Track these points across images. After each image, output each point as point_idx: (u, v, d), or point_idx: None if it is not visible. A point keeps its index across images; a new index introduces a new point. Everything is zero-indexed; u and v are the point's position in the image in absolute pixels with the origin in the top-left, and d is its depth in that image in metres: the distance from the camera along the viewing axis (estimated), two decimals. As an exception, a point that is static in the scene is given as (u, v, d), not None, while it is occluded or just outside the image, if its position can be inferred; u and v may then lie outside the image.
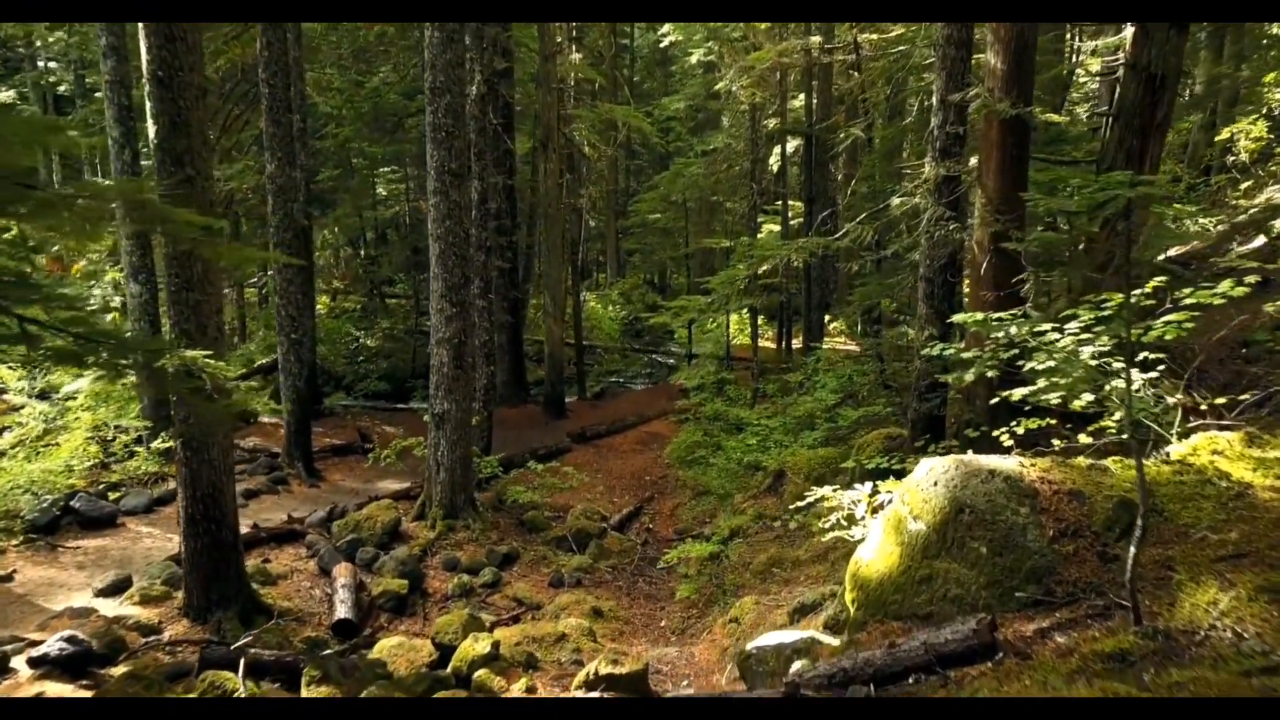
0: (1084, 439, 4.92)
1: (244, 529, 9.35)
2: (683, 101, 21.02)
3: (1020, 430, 5.19)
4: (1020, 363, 4.96)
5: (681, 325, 8.06)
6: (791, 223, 24.86)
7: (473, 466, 10.28)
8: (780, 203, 25.12)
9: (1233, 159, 13.97)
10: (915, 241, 7.77)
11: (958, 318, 5.01)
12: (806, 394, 13.77)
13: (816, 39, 15.92)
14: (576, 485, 11.41)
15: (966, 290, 10.05)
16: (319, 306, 27.81)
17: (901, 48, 14.03)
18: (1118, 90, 7.40)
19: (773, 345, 24.63)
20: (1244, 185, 13.33)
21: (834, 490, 5.24)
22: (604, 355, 24.90)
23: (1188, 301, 4.04)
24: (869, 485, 5.12)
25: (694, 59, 20.33)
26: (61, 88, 28.61)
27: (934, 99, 8.01)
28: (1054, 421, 5.26)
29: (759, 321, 26.46)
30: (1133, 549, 3.22)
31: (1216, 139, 14.52)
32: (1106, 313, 4.18)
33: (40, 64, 26.55)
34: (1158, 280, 3.94)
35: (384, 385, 18.23)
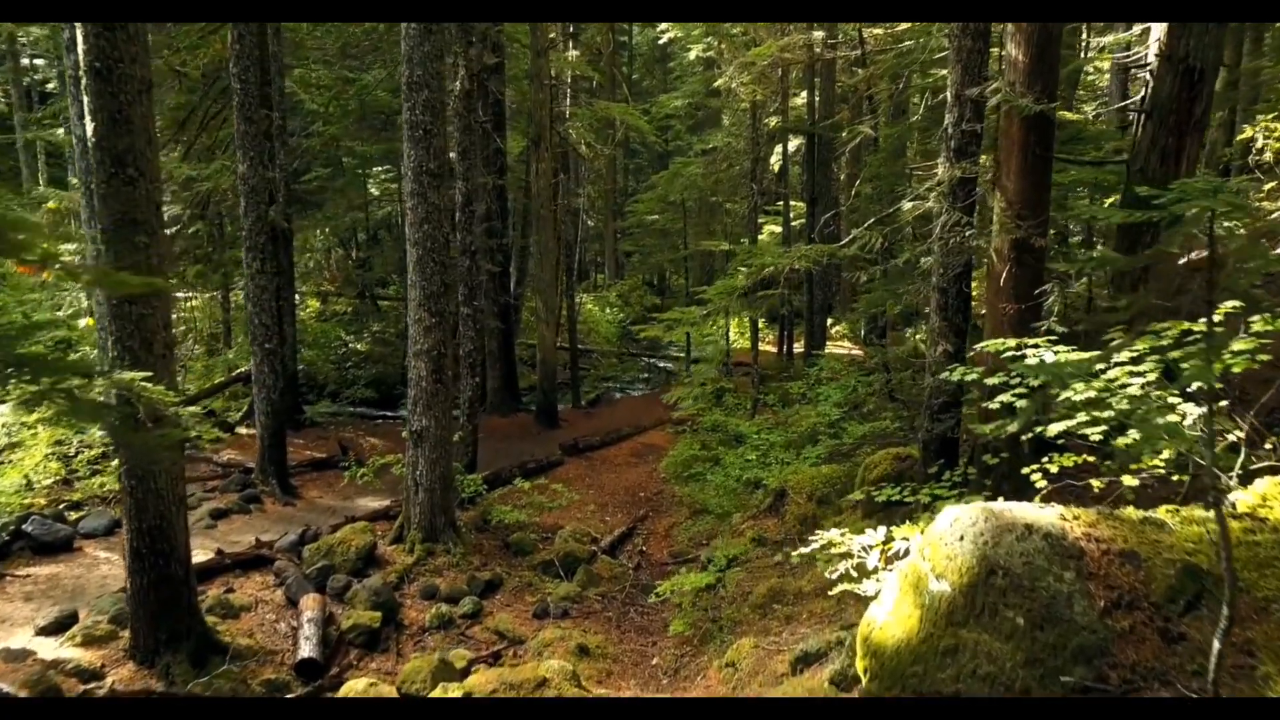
0: (1127, 480, 4.30)
1: (208, 555, 8.77)
2: (681, 99, 20.40)
3: (1054, 469, 4.57)
4: (1055, 393, 4.36)
5: (675, 338, 7.41)
6: (793, 224, 24.25)
7: (454, 486, 9.68)
8: (781, 203, 24.52)
9: (1256, 159, 13.34)
10: (927, 249, 7.15)
11: (986, 344, 4.40)
12: (809, 404, 13.16)
13: (819, 34, 15.30)
14: (566, 504, 10.81)
15: (977, 295, 9.46)
16: (309, 309, 27.34)
17: (908, 42, 13.43)
18: (1150, 84, 6.78)
19: (773, 349, 24.03)
20: (1267, 187, 12.71)
21: (842, 534, 4.65)
22: (600, 360, 24.29)
23: (1258, 328, 3.45)
24: (882, 531, 4.51)
25: (693, 55, 19.72)
26: (50, 84, 28.05)
27: (948, 94, 7.40)
28: (1090, 458, 4.64)
29: (759, 325, 25.89)
30: (1217, 643, 2.61)
31: (1238, 138, 13.89)
32: (1164, 342, 3.57)
33: (24, 60, 25.96)
34: (1232, 305, 3.32)
35: (371, 393, 17.63)
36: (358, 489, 11.32)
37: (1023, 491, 7.24)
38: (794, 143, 27.95)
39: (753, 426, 12.76)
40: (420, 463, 9.17)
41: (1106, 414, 4.08)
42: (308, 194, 16.99)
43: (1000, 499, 5.74)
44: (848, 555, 4.68)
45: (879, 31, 13.52)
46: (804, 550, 4.83)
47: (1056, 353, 3.99)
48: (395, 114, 17.65)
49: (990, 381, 4.82)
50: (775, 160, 26.69)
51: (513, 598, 8.85)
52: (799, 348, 23.30)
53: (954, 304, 7.54)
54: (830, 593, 5.99)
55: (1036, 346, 4.11)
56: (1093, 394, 4.24)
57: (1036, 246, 6.90)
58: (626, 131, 29.28)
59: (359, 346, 22.51)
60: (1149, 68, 6.78)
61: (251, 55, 10.04)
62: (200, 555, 8.90)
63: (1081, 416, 4.15)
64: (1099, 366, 4.12)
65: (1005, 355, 4.27)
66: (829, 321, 25.17)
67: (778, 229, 26.43)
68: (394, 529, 9.61)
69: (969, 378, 5.03)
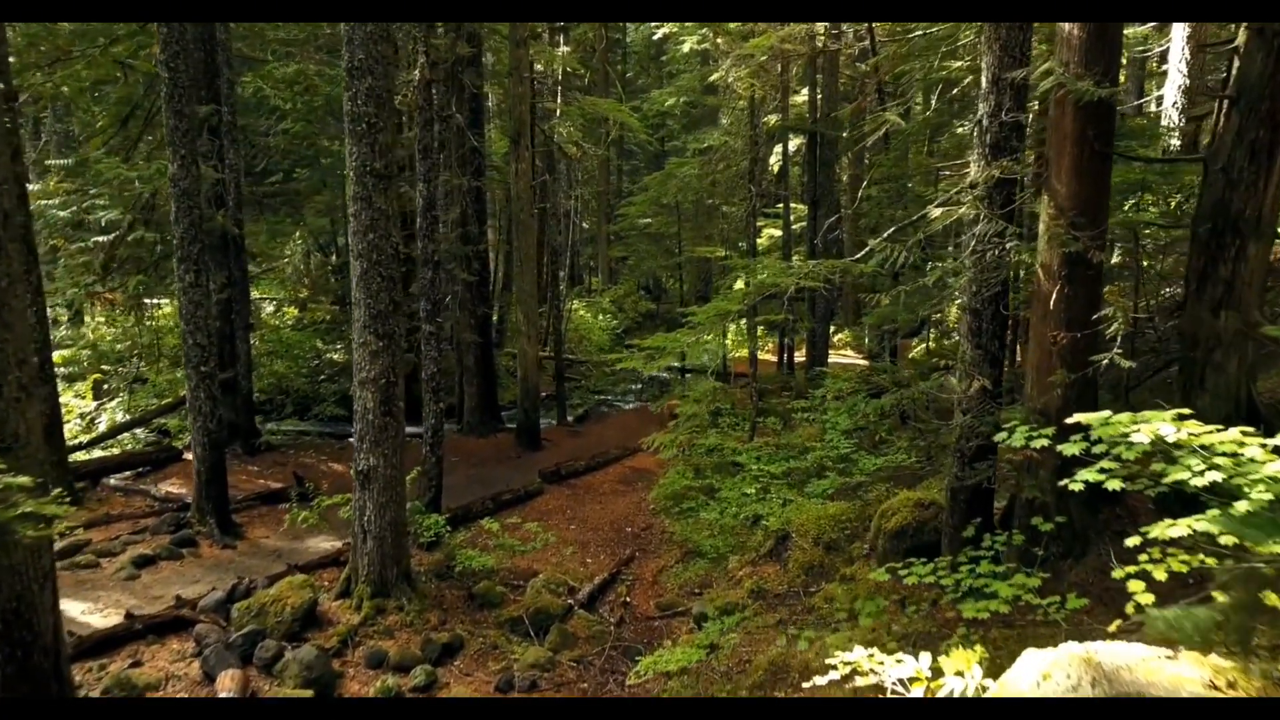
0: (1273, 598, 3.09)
1: (117, 618, 7.57)
2: (675, 96, 19.20)
3: (1161, 574, 3.36)
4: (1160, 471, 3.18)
5: (653, 369, 6.24)
6: (793, 227, 23.05)
7: (408, 531, 8.48)
8: (781, 206, 23.30)
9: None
10: (958, 263, 5.95)
11: (1081, 417, 3.21)
12: (813, 423, 11.95)
13: (821, 24, 14.13)
14: (541, 546, 9.59)
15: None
16: (286, 316, 26.11)
17: (918, 32, 12.25)
18: (1235, 65, 5.58)
19: (773, 357, 22.83)
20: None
21: (868, 655, 3.46)
22: (592, 369, 23.07)
23: None
24: (925, 660, 3.32)
25: (686, 48, 18.52)
26: None
27: (983, 78, 6.20)
28: (1209, 560, 3.44)
29: (758, 331, 24.68)
30: None
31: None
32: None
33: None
34: None
35: (342, 410, 16.38)
36: (309, 527, 10.10)
37: (1084, 559, 6.07)
38: (794, 142, 26.77)
39: (751, 452, 11.54)
40: (368, 507, 7.96)
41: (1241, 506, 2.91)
42: (270, 196, 15.75)
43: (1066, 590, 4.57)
44: (879, 689, 3.47)
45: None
46: (820, 682, 3.61)
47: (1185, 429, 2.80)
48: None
49: (1068, 450, 3.64)
50: (775, 161, 25.49)
51: (474, 664, 7.64)
52: (800, 356, 22.14)
53: (989, 328, 6.33)
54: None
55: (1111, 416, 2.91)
56: (1219, 477, 3.07)
57: (1093, 261, 5.71)
58: (621, 131, 28.11)
59: (335, 357, 21.30)
60: (1234, 45, 5.58)
61: (182, 41, 8.83)
62: (109, 618, 7.71)
63: (1215, 511, 2.98)
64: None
65: (1103, 433, 3.07)
66: (831, 329, 24.02)
67: (777, 232, 25.21)
68: (340, 581, 8.40)
69: (1037, 443, 3.84)
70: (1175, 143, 10.52)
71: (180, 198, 9.18)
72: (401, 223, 14.23)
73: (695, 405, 5.61)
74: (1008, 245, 5.91)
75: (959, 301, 6.27)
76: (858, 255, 6.04)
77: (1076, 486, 3.39)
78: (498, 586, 8.87)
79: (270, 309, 25.51)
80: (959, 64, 13.49)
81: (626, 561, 10.04)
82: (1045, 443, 3.84)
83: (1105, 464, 3.43)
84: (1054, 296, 5.72)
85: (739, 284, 29.99)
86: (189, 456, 12.57)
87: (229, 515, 9.95)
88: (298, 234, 24.82)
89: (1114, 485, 3.33)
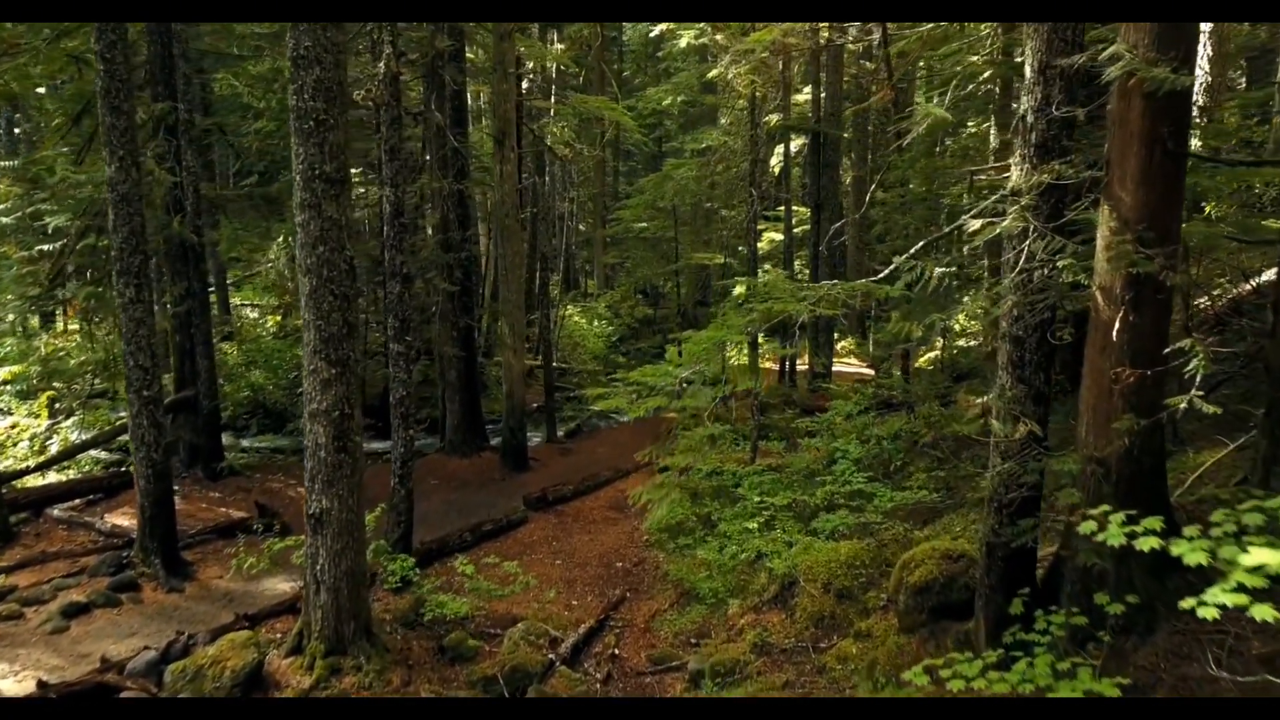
0: None
1: (32, 683, 6.63)
2: (671, 94, 18.27)
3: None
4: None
5: (638, 411, 5.31)
6: (795, 230, 22.14)
7: (368, 580, 7.56)
8: (782, 209, 22.39)
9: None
10: (998, 285, 5.02)
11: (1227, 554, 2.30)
12: (818, 447, 11.05)
13: (828, 16, 13.20)
14: (520, 590, 8.66)
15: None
16: (270, 324, 25.17)
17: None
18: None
19: (774, 365, 21.92)
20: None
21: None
22: (585, 378, 22.12)
23: None
24: None
25: (683, 43, 17.60)
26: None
27: (1027, 67, 5.28)
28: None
29: (759, 339, 23.74)
30: None
31: None
32: None
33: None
34: None
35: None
36: (268, 565, 9.16)
37: (1151, 638, 5.15)
38: (795, 143, 25.86)
39: (752, 478, 10.62)
40: (321, 555, 7.03)
41: None
42: (244, 199, 14.83)
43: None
44: None
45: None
46: None
47: None
48: (356, 108, 15.52)
49: (1190, 558, 2.73)
50: (776, 162, 24.59)
51: (439, 735, 6.70)
52: (802, 364, 21.24)
53: (1034, 360, 5.41)
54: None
55: None
56: None
57: (1164, 284, 4.79)
58: (617, 131, 27.20)
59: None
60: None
61: (120, 30, 7.90)
62: (23, 682, 6.78)
63: None
64: None
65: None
66: (835, 335, 23.11)
67: (778, 236, 24.28)
68: (292, 635, 7.46)
69: (1145, 544, 2.94)
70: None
71: (119, 204, 8.25)
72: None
73: (686, 455, 4.78)
74: (1060, 264, 4.98)
75: (1002, 328, 5.33)
76: (880, 274, 5.12)
77: (1208, 615, 2.48)
78: (470, 639, 7.94)
79: (253, 315, 24.61)
80: (975, 58, 12.61)
81: (616, 604, 9.11)
82: (1156, 544, 2.92)
83: (1242, 578, 2.53)
84: (1116, 325, 4.81)
85: (739, 289, 29.15)
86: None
87: (177, 554, 9.03)
88: (281, 238, 23.94)
89: (1263, 614, 2.42)
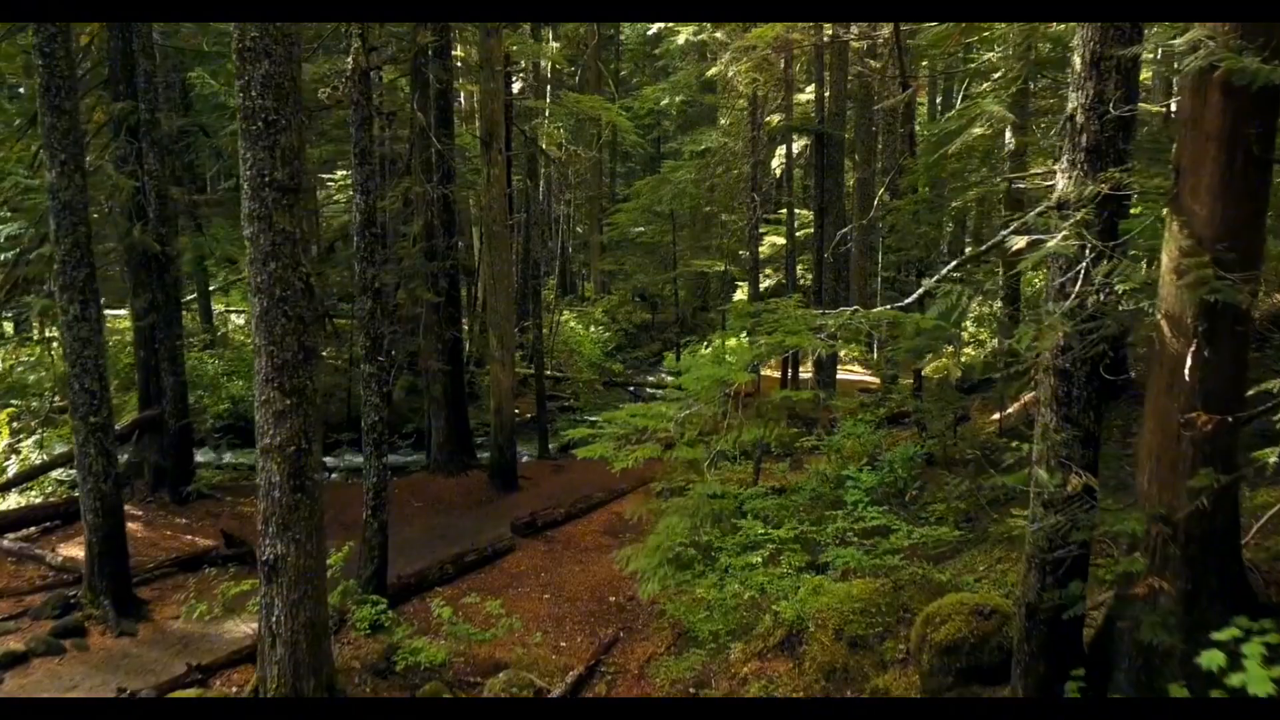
0: None
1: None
2: (670, 93, 17.54)
3: None
4: None
5: (625, 463, 4.60)
6: (798, 234, 21.43)
7: (330, 631, 6.84)
8: (784, 212, 21.68)
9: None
10: (1052, 319, 4.30)
11: None
12: (825, 473, 10.32)
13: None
14: (504, 633, 7.93)
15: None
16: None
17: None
18: None
19: (775, 373, 21.22)
20: None
21: None
22: (581, 389, 21.38)
23: None
24: None
25: (681, 39, 16.87)
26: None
27: (1076, 60, 4.58)
28: None
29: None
30: None
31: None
32: None
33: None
34: None
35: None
36: (229, 603, 8.42)
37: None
38: (798, 144, 25.13)
39: (755, 505, 9.88)
40: (276, 605, 6.31)
41: None
42: (217, 203, 14.11)
43: None
44: None
45: None
46: None
47: None
48: (321, 109, 14.80)
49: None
50: (777, 164, 23.88)
51: (407, 810, 5.99)
52: (805, 371, 20.53)
53: (1084, 396, 4.69)
54: None
55: None
56: None
57: (1246, 314, 4.09)
58: (613, 132, 26.50)
59: (305, 376, 19.65)
60: None
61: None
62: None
63: None
64: None
65: None
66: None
67: (780, 240, 23.54)
68: (248, 692, 6.75)
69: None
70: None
71: (61, 212, 7.53)
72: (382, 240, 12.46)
73: (679, 517, 4.08)
74: (1119, 289, 4.27)
75: (1046, 360, 4.62)
76: (909, 299, 4.40)
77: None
78: (446, 691, 7.22)
79: (240, 320, 23.88)
80: (990, 55, 11.92)
81: (608, 646, 8.39)
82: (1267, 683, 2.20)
83: None
84: (1188, 362, 4.09)
85: (740, 294, 28.41)
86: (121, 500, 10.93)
87: (130, 593, 8.30)
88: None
89: None
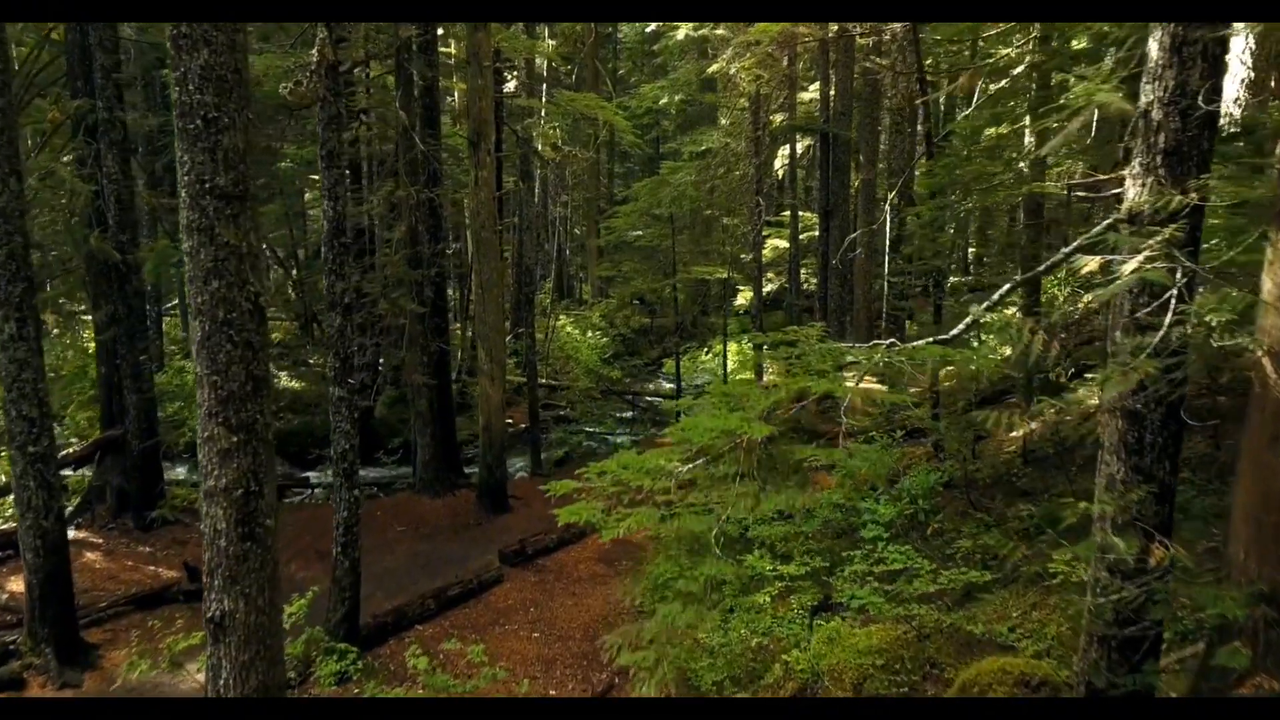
0: None
1: None
2: (669, 92, 16.81)
3: None
4: None
5: (616, 532, 3.91)
6: (801, 237, 20.71)
7: (284, 693, 6.09)
8: (788, 214, 20.95)
9: None
10: (1124, 361, 3.57)
11: None
12: (838, 496, 9.58)
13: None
14: (487, 683, 7.19)
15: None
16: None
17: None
18: None
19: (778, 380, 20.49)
20: None
21: None
22: (577, 398, 20.61)
23: None
24: None
25: (681, 34, 16.13)
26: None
27: (1152, 45, 3.86)
28: None
29: (763, 349, 22.26)
30: None
31: None
32: None
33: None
34: None
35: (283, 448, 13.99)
36: (189, 652, 7.68)
37: None
38: (801, 144, 24.40)
39: (761, 532, 9.15)
40: (224, 667, 5.56)
41: None
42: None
43: None
44: None
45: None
46: None
47: None
48: (302, 108, 14.05)
49: None
50: (780, 165, 23.16)
51: None
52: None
53: (1158, 443, 3.97)
54: None
55: None
56: None
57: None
58: (611, 133, 25.77)
59: (292, 384, 18.99)
60: None
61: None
62: None
63: None
64: None
65: None
66: (843, 350, 21.64)
67: (782, 243, 22.80)
68: (195, 760, 5.99)
69: None
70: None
71: (-9, 222, 6.79)
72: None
73: (680, 604, 3.45)
74: (1209, 319, 3.53)
75: (1111, 400, 3.89)
76: (955, 330, 3.67)
77: None
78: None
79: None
80: (1007, 52, 11.19)
81: (603, 694, 7.65)
82: None
83: None
84: (1301, 410, 3.36)
85: (743, 297, 27.64)
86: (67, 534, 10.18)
87: (75, 638, 7.57)
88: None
89: None
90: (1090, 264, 3.53)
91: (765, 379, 19.77)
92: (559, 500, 3.78)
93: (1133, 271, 3.28)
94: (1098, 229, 3.96)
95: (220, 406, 5.30)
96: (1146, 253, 3.46)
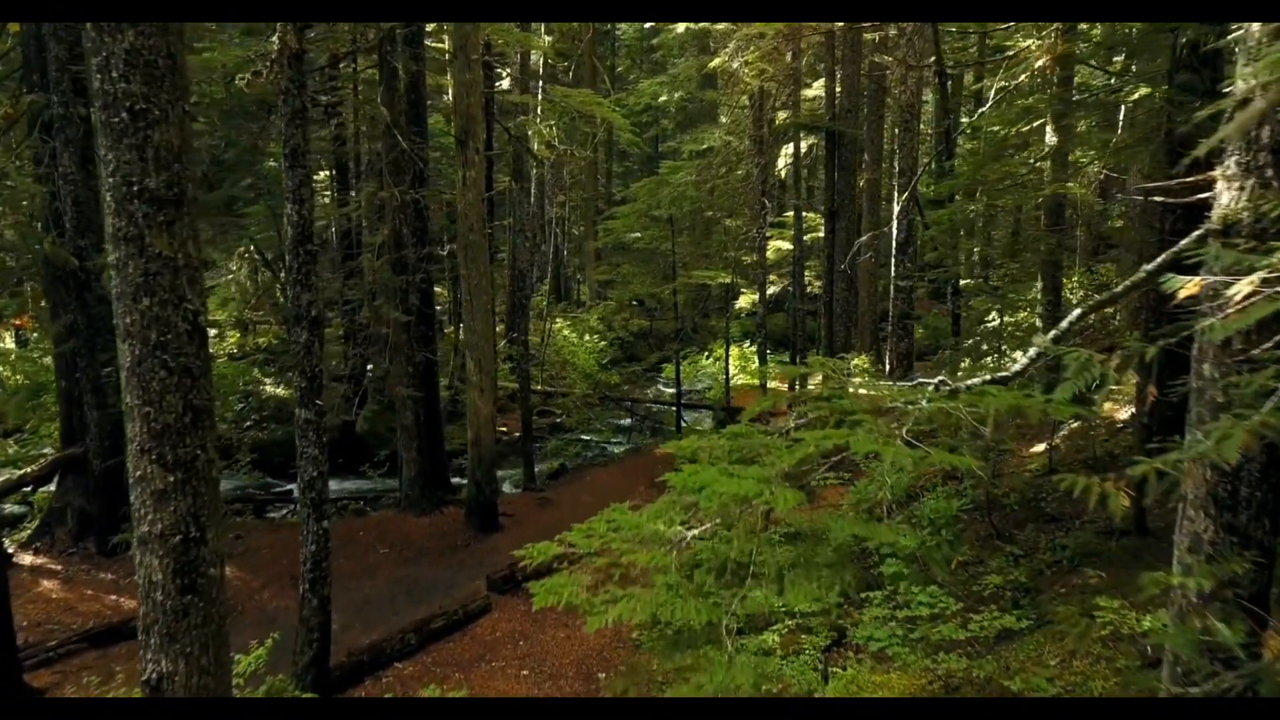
0: None
1: None
2: (668, 89, 16.13)
3: None
4: None
5: (603, 621, 3.31)
6: (805, 238, 20.04)
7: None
8: (791, 215, 20.29)
9: None
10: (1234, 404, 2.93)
11: None
12: (849, 525, 8.90)
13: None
14: (467, 735, 6.50)
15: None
16: (229, 342, 23.06)
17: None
18: None
19: (782, 385, 19.86)
20: None
21: None
22: (573, 405, 19.94)
23: None
24: None
25: (681, 28, 15.46)
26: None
27: (1253, 24, 3.19)
28: None
29: (767, 354, 21.62)
30: None
31: None
32: None
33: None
34: None
35: (255, 476, 13.38)
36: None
37: None
38: (805, 143, 23.74)
39: (767, 556, 8.47)
40: (163, 736, 4.89)
41: None
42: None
43: None
44: None
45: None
46: None
47: None
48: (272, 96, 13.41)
49: None
50: (783, 164, 22.50)
51: None
52: (814, 383, 19.18)
53: (1255, 499, 3.32)
54: None
55: None
56: None
57: None
58: (610, 131, 25.10)
59: (278, 391, 18.30)
60: None
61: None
62: None
63: None
64: None
65: None
66: (849, 356, 21.00)
67: (786, 245, 22.12)
68: (135, 835, 5.32)
69: None
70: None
71: (-81, 227, 6.10)
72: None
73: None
74: (1334, 354, 2.87)
75: (1202, 447, 3.23)
76: (1015, 369, 3.01)
77: None
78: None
79: (211, 333, 22.52)
80: (1027, 43, 10.54)
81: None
82: None
83: None
84: None
85: (744, 300, 26.97)
86: (25, 561, 9.54)
87: (19, 681, 6.89)
88: (241, 248, 21.89)
89: None
90: (1189, 286, 2.87)
91: (769, 386, 19.12)
92: (533, 572, 3.12)
93: (1263, 302, 2.60)
94: (1186, 241, 3.29)
95: (154, 441, 4.62)
96: (1263, 273, 2.78)
